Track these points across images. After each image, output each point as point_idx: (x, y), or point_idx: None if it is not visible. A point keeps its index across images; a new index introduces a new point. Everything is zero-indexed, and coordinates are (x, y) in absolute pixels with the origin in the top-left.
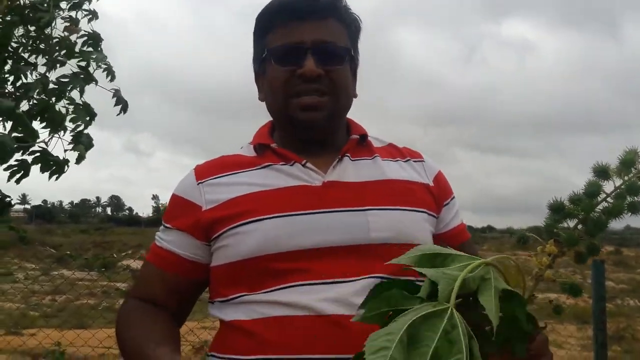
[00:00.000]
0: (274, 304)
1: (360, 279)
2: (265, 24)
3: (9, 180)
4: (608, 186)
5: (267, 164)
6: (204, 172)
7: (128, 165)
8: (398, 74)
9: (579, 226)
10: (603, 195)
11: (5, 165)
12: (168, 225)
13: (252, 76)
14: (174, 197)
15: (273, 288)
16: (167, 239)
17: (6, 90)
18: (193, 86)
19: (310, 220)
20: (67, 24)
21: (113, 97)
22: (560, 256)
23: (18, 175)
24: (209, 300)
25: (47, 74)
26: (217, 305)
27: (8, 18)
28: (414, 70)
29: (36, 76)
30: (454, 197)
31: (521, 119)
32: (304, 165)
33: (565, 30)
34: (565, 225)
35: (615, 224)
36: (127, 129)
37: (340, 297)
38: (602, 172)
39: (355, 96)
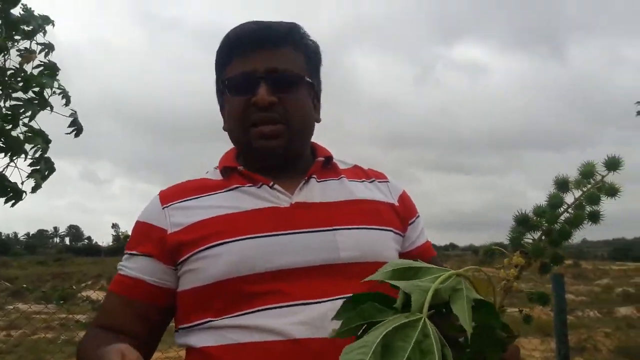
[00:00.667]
0: (244, 329)
1: (331, 300)
2: (223, 57)
3: None
4: (569, 198)
5: (234, 186)
6: (168, 197)
7: (86, 194)
8: (354, 97)
9: (543, 237)
10: (565, 207)
11: None
12: (133, 252)
13: (209, 100)
14: (138, 224)
15: (242, 312)
16: (132, 266)
17: None
18: (150, 112)
19: (280, 242)
20: (26, 55)
21: (70, 119)
22: (526, 267)
23: None
24: (175, 328)
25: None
26: (183, 332)
27: None
28: (371, 93)
29: None
30: (419, 216)
31: (478, 137)
32: (271, 187)
33: (515, 52)
34: (530, 237)
35: (572, 238)
36: (84, 157)
37: (310, 319)
38: (562, 184)
39: (318, 121)
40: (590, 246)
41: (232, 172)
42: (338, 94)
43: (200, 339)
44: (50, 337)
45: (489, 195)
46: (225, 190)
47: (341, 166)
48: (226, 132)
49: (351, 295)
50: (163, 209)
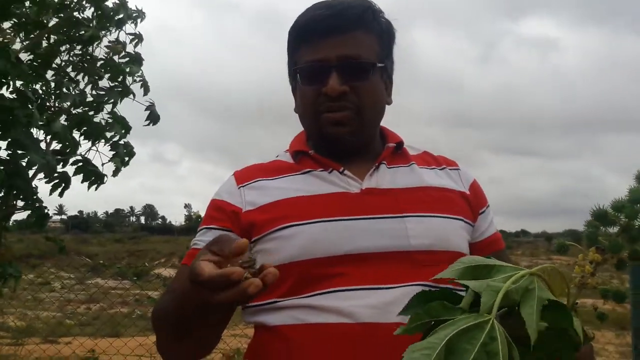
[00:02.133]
0: (312, 309)
1: (400, 287)
2: (294, 40)
3: (51, 193)
4: None
5: (306, 169)
6: (244, 176)
7: (156, 175)
8: (414, 75)
9: (621, 233)
10: None
11: (46, 179)
12: (209, 226)
13: (271, 81)
14: (214, 202)
15: (311, 293)
16: (207, 239)
17: (48, 104)
18: (215, 94)
19: (350, 226)
20: (114, 46)
21: (147, 109)
22: (602, 263)
23: (60, 189)
24: (242, 306)
25: (84, 90)
26: (251, 311)
27: (54, 38)
28: (432, 72)
29: (76, 91)
30: (488, 206)
31: (548, 118)
32: (341, 173)
33: (586, 27)
34: (605, 232)
35: None
36: (153, 139)
37: (379, 304)
38: None
39: (389, 103)
40: None
41: (303, 156)
42: (397, 72)
43: (269, 318)
44: (125, 312)
45: (562, 180)
46: (297, 173)
47: (411, 152)
48: (296, 115)
49: (420, 284)
50: (239, 188)
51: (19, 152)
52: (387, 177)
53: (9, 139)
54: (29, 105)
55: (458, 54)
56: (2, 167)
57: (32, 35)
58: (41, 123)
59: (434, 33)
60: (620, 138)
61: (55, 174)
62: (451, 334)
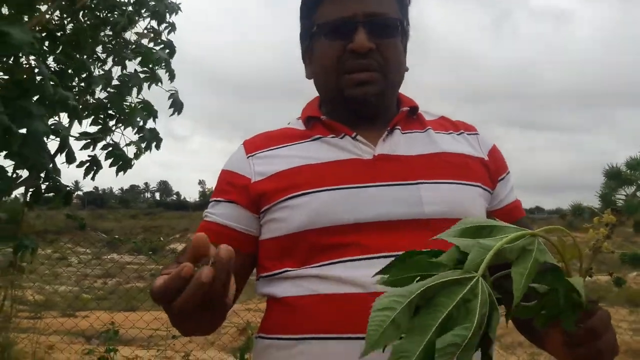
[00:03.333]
0: (324, 279)
1: None
2: (311, 0)
3: (84, 177)
4: None
5: (317, 136)
6: (253, 146)
7: (168, 151)
8: (426, 50)
9: (638, 193)
10: None
11: (77, 162)
12: (218, 199)
13: (284, 57)
14: (223, 173)
15: (323, 262)
16: (217, 212)
17: (72, 83)
18: (224, 69)
19: (363, 194)
20: (144, 32)
21: (169, 98)
22: (618, 226)
23: (92, 173)
24: (256, 277)
25: (110, 71)
26: (264, 281)
27: (86, 18)
28: (442, 45)
29: (100, 72)
30: (509, 172)
31: (562, 92)
32: (354, 138)
33: None
34: (622, 193)
35: None
36: (162, 114)
37: None
38: None
39: (407, 70)
40: None
41: (315, 122)
42: (409, 43)
43: (280, 289)
44: (141, 287)
45: (576, 155)
46: (307, 140)
47: (427, 117)
48: (307, 89)
49: (405, 252)
50: (247, 158)
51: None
52: (401, 143)
53: (16, 109)
54: (43, 80)
55: (469, 27)
56: (7, 136)
57: (64, 15)
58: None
59: (444, 5)
60: (632, 112)
61: (88, 156)
62: (429, 284)
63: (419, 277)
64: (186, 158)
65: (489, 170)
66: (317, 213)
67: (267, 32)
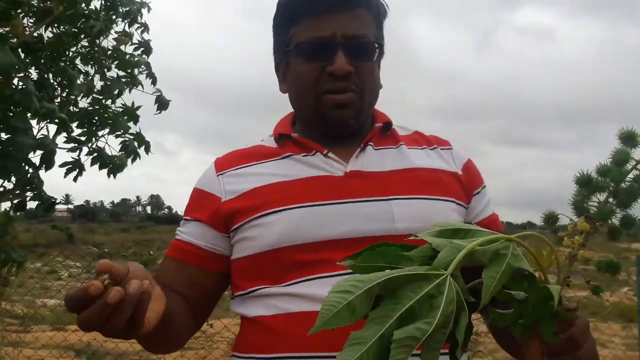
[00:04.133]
0: (297, 297)
1: None
2: (290, 13)
3: (65, 176)
4: (637, 153)
5: (287, 154)
6: (224, 164)
7: (157, 165)
8: (412, 67)
9: (610, 199)
10: (633, 163)
11: (60, 163)
12: (188, 218)
13: (272, 71)
14: (194, 191)
15: (295, 280)
16: (187, 231)
17: (56, 94)
18: (212, 84)
19: (333, 211)
20: (121, 37)
21: (156, 101)
22: (592, 233)
23: (74, 173)
24: (231, 296)
25: (92, 79)
26: (237, 301)
27: (62, 28)
28: (430, 64)
29: (81, 81)
30: (484, 187)
31: (548, 109)
32: (325, 155)
33: (582, 17)
34: (595, 200)
35: None
36: (152, 130)
37: None
38: (628, 138)
39: (381, 87)
40: None
41: (286, 140)
42: (396, 64)
43: (253, 309)
44: None
45: (565, 171)
46: (278, 158)
47: (401, 132)
48: (285, 97)
49: (377, 243)
50: (218, 176)
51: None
52: (373, 159)
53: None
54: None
55: (455, 45)
56: None
57: (40, 24)
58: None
59: (430, 24)
60: (617, 129)
61: (71, 158)
62: (393, 275)
63: (387, 269)
64: (176, 173)
65: (463, 184)
66: (288, 230)
67: (255, 46)
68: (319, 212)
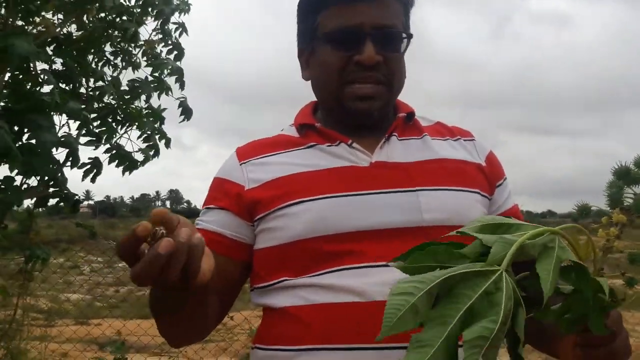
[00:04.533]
0: (322, 288)
1: None
2: (316, 1)
3: (83, 178)
4: None
5: (311, 143)
6: (246, 153)
7: (175, 159)
8: (428, 55)
9: None
10: None
11: (78, 164)
12: (211, 206)
13: (289, 64)
14: (216, 180)
15: (321, 271)
16: (209, 219)
17: (81, 91)
18: (229, 78)
19: (360, 201)
20: (150, 40)
21: (179, 107)
22: (628, 225)
23: (92, 175)
24: (251, 287)
25: (119, 77)
26: (260, 292)
27: (91, 25)
28: (448, 52)
29: (110, 76)
30: (506, 178)
31: (569, 96)
32: (349, 146)
33: (600, 1)
34: (630, 192)
35: None
36: (169, 125)
37: (392, 281)
38: None
39: (405, 77)
40: None
41: (309, 129)
42: (412, 53)
43: (279, 299)
44: None
45: (587, 159)
46: (302, 147)
47: (423, 123)
48: (303, 89)
49: (424, 242)
50: (240, 165)
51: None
52: (398, 150)
53: (25, 121)
54: (50, 88)
55: (471, 33)
56: (18, 148)
57: (73, 18)
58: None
59: (445, 12)
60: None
61: (88, 159)
62: (450, 274)
63: (438, 267)
64: (194, 167)
65: (487, 176)
66: (315, 221)
67: (271, 40)
68: (346, 202)
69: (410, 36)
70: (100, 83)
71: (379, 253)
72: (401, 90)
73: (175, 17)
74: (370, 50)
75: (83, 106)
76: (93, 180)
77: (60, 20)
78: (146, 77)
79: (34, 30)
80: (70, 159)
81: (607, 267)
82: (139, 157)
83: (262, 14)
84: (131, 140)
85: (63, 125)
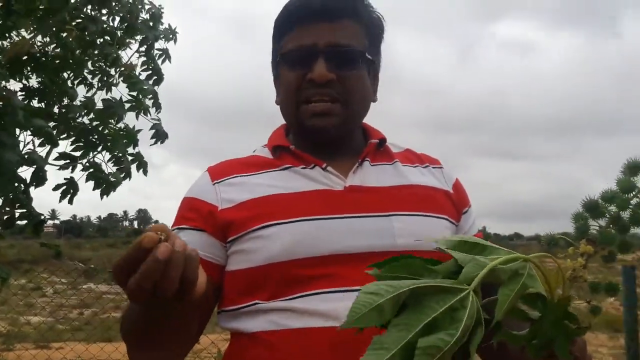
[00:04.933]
0: (294, 313)
1: None
2: (280, 27)
3: (60, 201)
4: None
5: (286, 165)
6: (219, 172)
7: (143, 180)
8: (398, 80)
9: (611, 224)
10: (636, 191)
11: (53, 185)
12: (182, 227)
13: (256, 85)
14: (187, 200)
15: (294, 296)
16: (183, 239)
17: (54, 108)
18: (195, 98)
19: (335, 225)
20: (129, 64)
21: (152, 129)
22: (593, 256)
23: (69, 196)
24: (218, 310)
25: (93, 97)
26: (228, 315)
27: (75, 45)
28: (414, 77)
29: (84, 97)
30: (470, 206)
31: (531, 122)
32: (324, 169)
33: (562, 30)
34: (596, 224)
35: None
36: (139, 145)
37: None
38: (634, 168)
39: (374, 100)
40: None
41: (283, 151)
42: (381, 74)
43: (248, 324)
44: (118, 317)
45: (550, 183)
46: (277, 169)
47: (394, 150)
48: (277, 107)
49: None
50: (214, 184)
51: None
52: (371, 175)
53: None
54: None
55: (438, 58)
56: None
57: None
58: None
59: (411, 37)
60: (602, 142)
61: (64, 179)
62: (420, 285)
63: (411, 279)
64: (161, 187)
65: (454, 203)
66: (289, 245)
67: (238, 61)
68: (321, 226)
69: (371, 57)
70: (72, 102)
71: (353, 277)
72: (365, 110)
73: (159, 44)
74: (321, 67)
75: (53, 124)
76: (70, 201)
77: (35, 37)
78: (121, 98)
79: (7, 46)
80: (39, 180)
81: (574, 294)
82: (112, 178)
83: (232, 36)
84: (105, 162)
85: (28, 143)
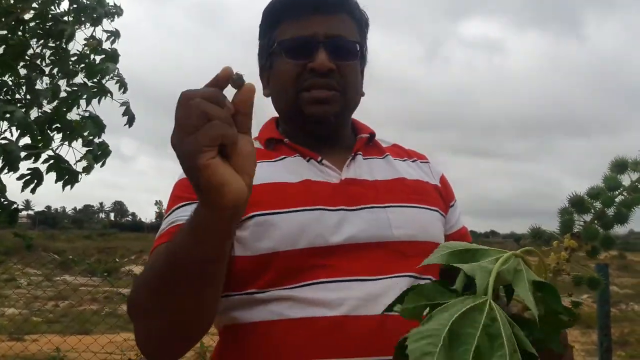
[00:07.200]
0: (295, 302)
1: (387, 278)
2: (274, 17)
3: (23, 189)
4: (625, 180)
5: (282, 156)
6: None
7: (115, 171)
8: (368, 75)
9: (596, 220)
10: (621, 189)
11: (17, 174)
12: (188, 202)
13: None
14: (183, 180)
15: (295, 285)
16: (185, 214)
17: (17, 97)
18: (166, 88)
19: (333, 216)
20: (90, 41)
21: (122, 108)
22: (577, 250)
23: (32, 185)
24: None
25: (58, 83)
26: (224, 305)
27: (27, 31)
28: (383, 75)
29: (46, 84)
30: (456, 200)
31: (503, 120)
32: (319, 162)
33: (528, 30)
34: (581, 220)
35: (619, 229)
36: (107, 135)
37: (366, 295)
38: (621, 166)
39: (363, 94)
40: (637, 238)
41: (277, 144)
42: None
43: (246, 314)
44: (95, 309)
45: (522, 182)
46: (274, 160)
47: (383, 144)
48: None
49: (405, 275)
50: None
51: None
52: (364, 168)
53: None
54: None
55: (408, 55)
56: None
57: (5, 25)
58: (5, 114)
59: (381, 34)
60: (571, 142)
61: (27, 170)
62: (452, 319)
63: (429, 306)
64: (135, 178)
65: (442, 196)
66: (290, 235)
67: (209, 51)
68: (319, 217)
69: (364, 51)
70: (37, 87)
71: (352, 268)
72: (357, 103)
73: (108, 25)
74: (323, 57)
75: (23, 110)
76: (33, 191)
77: None
78: (84, 82)
79: None
80: (11, 168)
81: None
82: (81, 165)
83: (200, 25)
84: (73, 148)
85: (5, 130)
